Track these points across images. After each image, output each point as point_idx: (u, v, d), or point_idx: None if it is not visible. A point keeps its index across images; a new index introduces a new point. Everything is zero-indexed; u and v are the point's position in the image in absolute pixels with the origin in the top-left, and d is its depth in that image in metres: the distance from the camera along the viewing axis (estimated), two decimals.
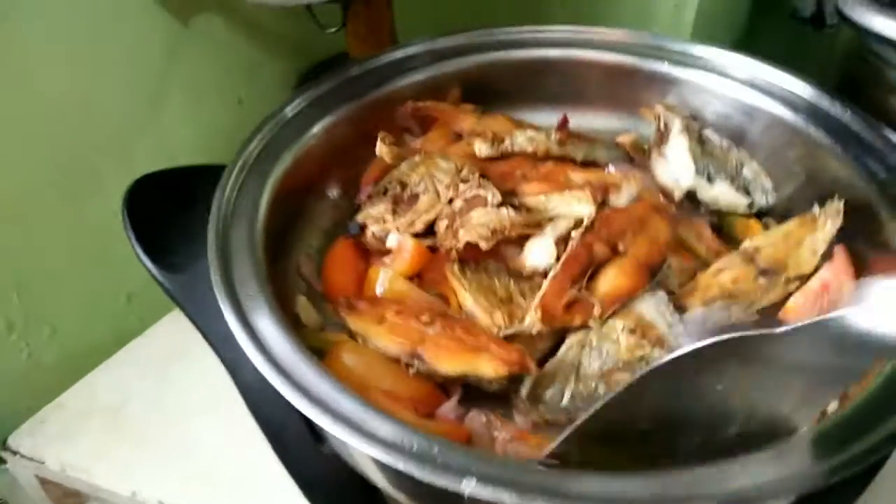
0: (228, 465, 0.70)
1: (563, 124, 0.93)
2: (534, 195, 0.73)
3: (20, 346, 0.78)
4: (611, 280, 0.63)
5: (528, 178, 0.75)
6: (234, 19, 0.97)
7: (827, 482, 0.44)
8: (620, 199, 0.71)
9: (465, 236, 0.68)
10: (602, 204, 0.71)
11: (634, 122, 0.88)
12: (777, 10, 1.26)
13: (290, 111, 0.77)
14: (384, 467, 0.49)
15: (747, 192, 0.74)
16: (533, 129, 0.83)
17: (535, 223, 0.70)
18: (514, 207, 0.70)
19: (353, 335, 0.64)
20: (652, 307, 0.63)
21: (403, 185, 0.74)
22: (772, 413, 0.49)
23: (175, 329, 0.83)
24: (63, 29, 0.74)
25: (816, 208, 0.68)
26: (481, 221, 0.68)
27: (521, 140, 0.78)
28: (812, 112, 0.76)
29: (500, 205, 0.70)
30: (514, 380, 0.60)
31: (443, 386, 0.61)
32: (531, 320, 0.60)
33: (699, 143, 0.75)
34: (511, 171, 0.76)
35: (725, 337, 0.45)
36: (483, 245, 0.67)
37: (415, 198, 0.72)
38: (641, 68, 0.86)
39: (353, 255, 0.72)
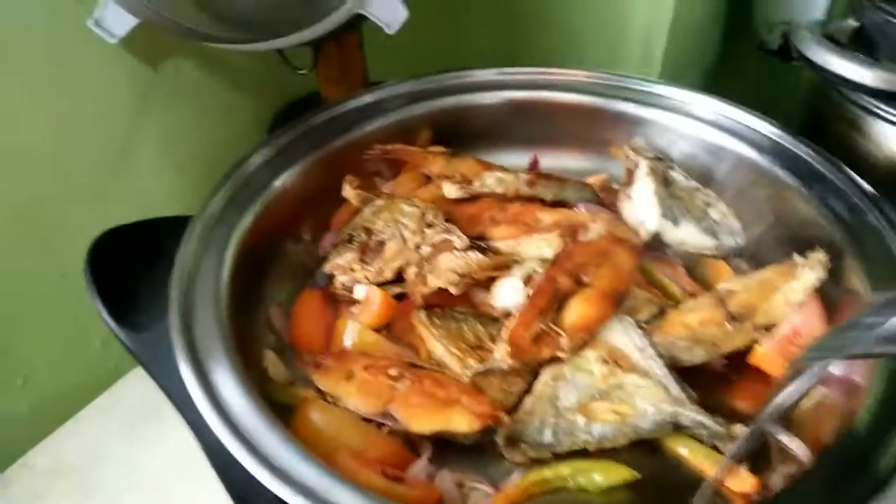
0: None
1: (534, 165, 0.94)
2: (503, 238, 0.73)
3: None
4: (577, 311, 0.63)
5: (496, 220, 0.75)
6: (204, 63, 0.96)
7: None
8: (590, 238, 0.71)
9: (434, 282, 0.68)
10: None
11: (605, 162, 0.89)
12: (746, 42, 1.28)
13: (256, 160, 0.76)
14: None
15: (714, 233, 0.74)
16: (502, 169, 0.83)
17: (503, 265, 0.70)
18: (482, 250, 0.70)
19: (322, 392, 0.63)
20: (620, 334, 0.63)
21: (369, 232, 0.73)
22: None
23: (148, 381, 0.81)
24: (28, 76, 0.73)
25: (797, 257, 0.68)
26: (450, 266, 0.68)
27: (490, 181, 0.78)
28: (777, 152, 0.76)
29: (468, 248, 0.70)
30: (488, 431, 0.59)
31: (412, 442, 0.60)
32: (500, 355, 0.59)
33: (665, 184, 0.76)
34: (479, 214, 0.76)
35: None
36: (453, 290, 0.67)
37: (381, 245, 0.72)
38: (608, 109, 0.87)
39: (320, 306, 0.71)
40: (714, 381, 0.66)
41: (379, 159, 0.85)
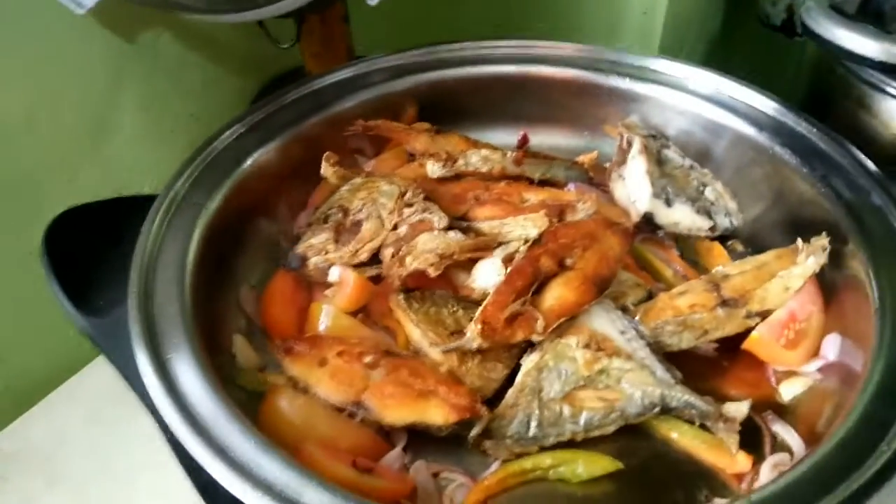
0: None
1: (523, 142, 0.90)
2: (487, 218, 0.70)
3: None
4: (556, 294, 0.59)
5: (481, 200, 0.72)
6: (183, 35, 0.92)
7: None
8: (577, 219, 0.68)
9: (412, 263, 0.64)
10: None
11: (598, 140, 0.85)
12: (750, 17, 1.24)
13: (227, 137, 0.73)
14: None
15: (709, 214, 0.71)
16: (489, 148, 0.79)
17: (485, 246, 0.67)
18: (462, 230, 0.67)
19: (293, 379, 0.60)
20: (602, 319, 0.60)
21: (345, 212, 0.70)
22: None
23: None
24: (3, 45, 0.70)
25: (799, 242, 0.64)
26: (428, 247, 0.65)
27: (475, 159, 0.74)
28: (777, 129, 0.73)
29: (448, 228, 0.66)
30: (466, 423, 0.56)
31: (387, 431, 0.57)
32: (471, 335, 0.56)
33: (658, 163, 0.72)
34: (463, 193, 0.73)
35: None
36: (431, 272, 0.63)
37: (358, 225, 0.68)
38: (601, 84, 0.83)
39: (293, 288, 0.68)
40: (705, 366, 0.63)
41: (360, 136, 0.81)
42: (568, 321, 0.59)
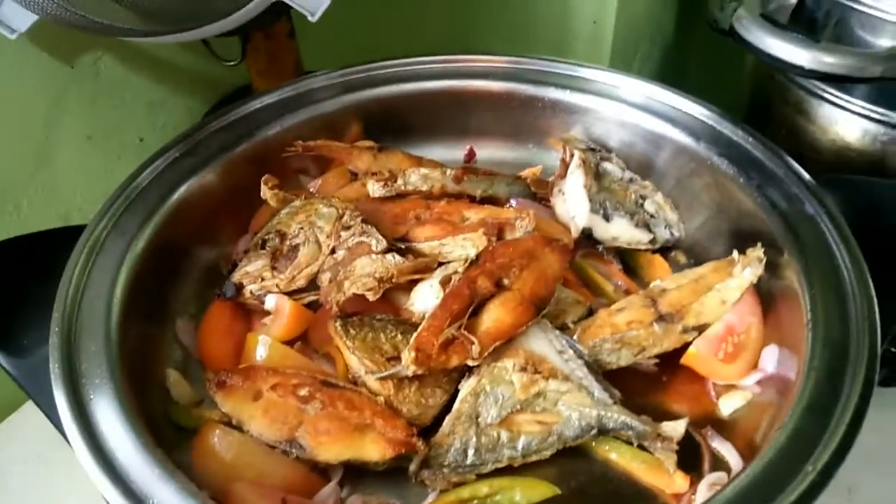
0: None
1: (469, 157, 0.89)
2: (427, 239, 0.69)
3: None
4: (493, 316, 0.59)
5: (421, 220, 0.71)
6: (127, 56, 0.91)
7: None
8: (517, 236, 0.67)
9: (350, 288, 0.63)
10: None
11: (545, 153, 0.85)
12: (702, 22, 1.24)
13: (161, 163, 0.71)
14: None
15: (648, 227, 0.70)
16: (432, 165, 0.79)
17: (425, 267, 0.66)
18: (401, 252, 0.66)
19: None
20: (540, 339, 0.60)
21: (283, 236, 0.69)
22: None
23: None
24: None
25: (735, 254, 0.64)
26: (366, 271, 0.64)
27: (414, 178, 0.73)
28: (715, 139, 0.73)
29: (387, 250, 0.65)
30: (403, 457, 0.55)
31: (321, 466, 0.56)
32: (405, 362, 0.56)
33: (597, 177, 0.72)
34: (404, 213, 0.72)
35: None
36: (370, 296, 0.62)
37: (295, 250, 0.67)
38: (543, 97, 0.82)
39: (231, 318, 0.66)
40: (646, 382, 0.63)
41: (302, 156, 0.80)
42: (505, 343, 0.58)
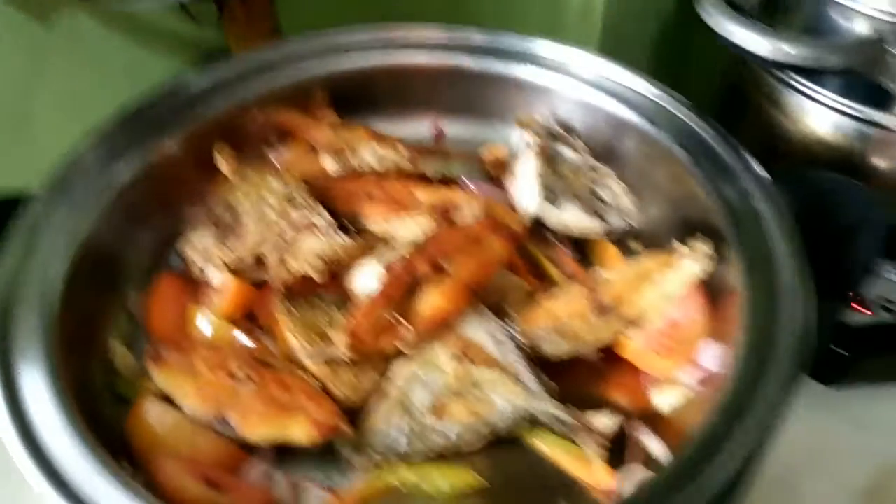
0: None
1: (438, 136, 0.88)
2: (377, 219, 0.69)
3: None
4: (430, 302, 0.59)
5: (373, 198, 0.70)
6: (104, 19, 0.89)
7: None
8: (465, 221, 0.67)
9: (295, 267, 0.63)
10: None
11: (514, 133, 0.83)
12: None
13: (118, 130, 0.71)
14: None
15: (600, 215, 0.70)
16: (393, 142, 0.78)
17: (372, 249, 0.66)
18: (348, 232, 0.66)
19: None
20: (476, 326, 0.60)
21: (232, 210, 0.68)
22: None
23: None
24: None
25: (678, 245, 0.64)
26: (313, 250, 0.64)
27: (368, 157, 0.73)
28: (678, 128, 0.71)
29: (335, 230, 0.65)
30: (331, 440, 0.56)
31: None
32: (339, 346, 0.56)
33: (551, 162, 0.71)
34: (358, 192, 0.71)
35: None
36: (315, 276, 0.63)
37: (242, 225, 0.67)
38: (511, 76, 0.81)
39: (180, 291, 0.66)
40: (589, 372, 0.63)
41: (263, 127, 0.79)
42: (440, 329, 0.58)
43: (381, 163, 0.72)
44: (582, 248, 0.73)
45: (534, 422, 0.57)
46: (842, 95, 0.75)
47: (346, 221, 0.69)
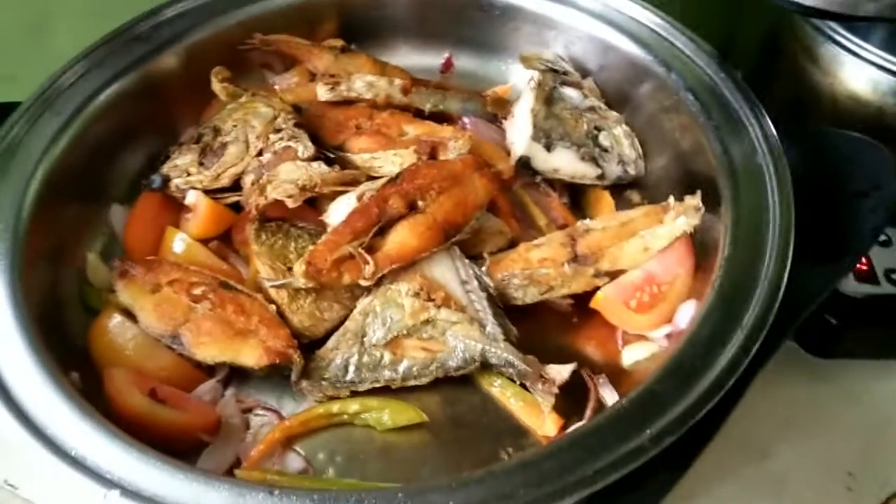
0: None
1: (447, 68, 0.85)
2: (361, 151, 0.67)
3: None
4: (397, 238, 0.57)
5: (361, 129, 0.68)
6: None
7: None
8: (446, 159, 0.64)
9: (271, 193, 0.62)
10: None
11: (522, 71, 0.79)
12: None
13: (116, 46, 0.70)
14: None
15: (596, 162, 0.66)
16: (396, 72, 0.75)
17: (352, 180, 0.64)
18: (330, 162, 0.64)
19: None
20: (443, 267, 0.58)
21: (217, 132, 0.67)
22: None
23: None
24: None
25: (671, 200, 0.60)
26: (290, 177, 0.62)
27: (359, 85, 0.70)
28: (694, 76, 0.67)
29: (314, 158, 0.64)
30: (282, 366, 0.55)
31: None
32: (296, 274, 0.55)
33: (549, 102, 0.67)
34: (346, 121, 0.69)
35: None
36: (289, 203, 0.61)
37: (224, 147, 0.66)
38: (525, 9, 0.77)
39: (158, 209, 0.66)
40: (559, 321, 0.61)
41: (263, 51, 0.77)
42: (405, 266, 0.57)
43: (373, 92, 0.70)
44: (578, 198, 0.70)
45: (486, 364, 0.55)
46: (881, 49, 0.68)
47: (333, 151, 0.68)
